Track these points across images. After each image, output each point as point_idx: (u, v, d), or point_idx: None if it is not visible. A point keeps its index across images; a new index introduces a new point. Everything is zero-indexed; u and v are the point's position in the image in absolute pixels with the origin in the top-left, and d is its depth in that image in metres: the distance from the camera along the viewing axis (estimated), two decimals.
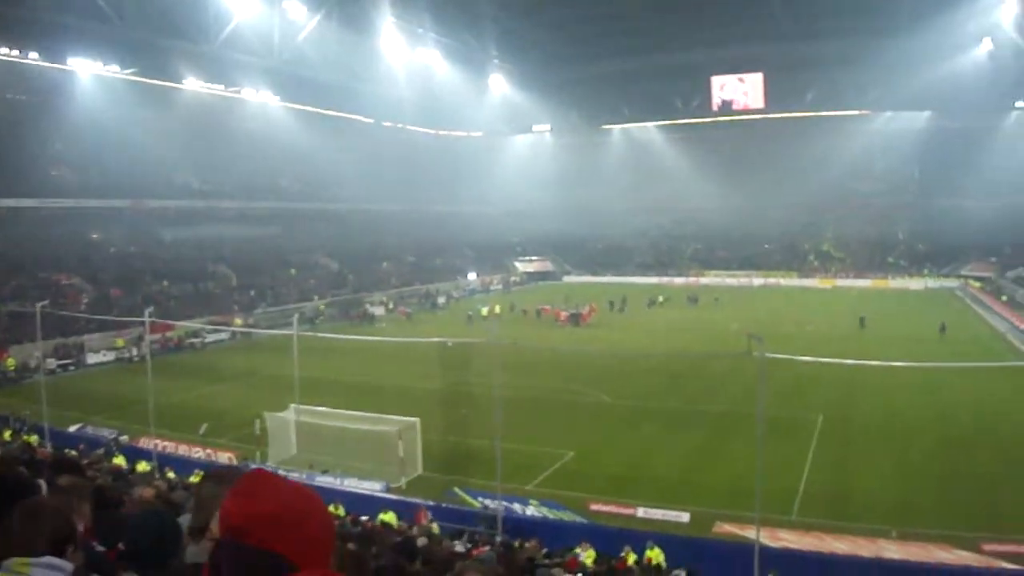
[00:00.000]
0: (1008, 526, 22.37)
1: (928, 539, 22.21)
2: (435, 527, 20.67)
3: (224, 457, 29.05)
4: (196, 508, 3.13)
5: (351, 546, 8.25)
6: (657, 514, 24.17)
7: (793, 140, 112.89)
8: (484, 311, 68.04)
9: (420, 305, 78.11)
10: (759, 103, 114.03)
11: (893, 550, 21.69)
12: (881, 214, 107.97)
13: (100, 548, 3.98)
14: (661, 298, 79.70)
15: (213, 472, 3.31)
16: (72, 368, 49.27)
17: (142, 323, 34.84)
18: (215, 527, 2.11)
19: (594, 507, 24.81)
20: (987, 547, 21.56)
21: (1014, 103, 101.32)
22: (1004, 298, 72.33)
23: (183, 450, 30.53)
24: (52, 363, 46.93)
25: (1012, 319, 61.21)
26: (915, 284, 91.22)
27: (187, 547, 3.16)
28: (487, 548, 17.54)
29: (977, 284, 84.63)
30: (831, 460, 28.86)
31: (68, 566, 2.91)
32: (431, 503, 23.86)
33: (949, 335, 52.67)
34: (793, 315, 64.14)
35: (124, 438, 31.54)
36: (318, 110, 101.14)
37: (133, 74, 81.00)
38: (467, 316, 65.44)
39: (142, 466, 24.81)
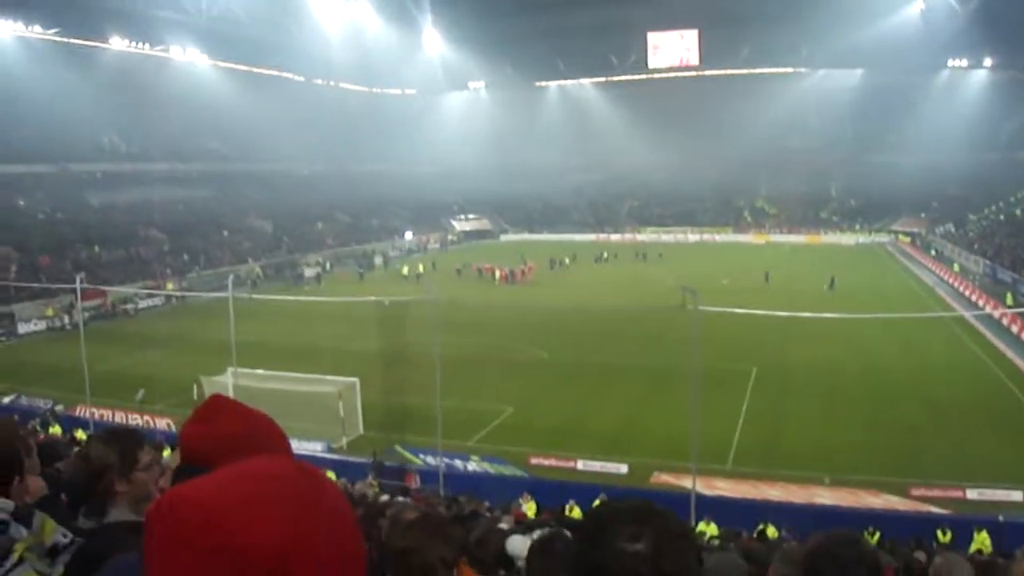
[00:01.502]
0: (934, 471, 23.22)
1: (859, 485, 22.98)
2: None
3: (163, 423, 28.71)
4: (85, 468, 3.09)
5: None
6: (596, 466, 24.64)
7: (728, 97, 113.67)
8: (405, 270, 69.10)
9: (357, 265, 77.54)
10: (694, 60, 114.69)
11: (825, 496, 22.40)
12: (814, 170, 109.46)
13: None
14: (605, 254, 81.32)
15: (101, 432, 3.29)
16: (3, 339, 48.03)
17: (73, 290, 34.12)
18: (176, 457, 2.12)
19: (534, 461, 25.18)
20: (915, 492, 22.38)
21: (946, 61, 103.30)
22: (933, 252, 74.30)
23: (120, 417, 30.10)
24: None
25: (940, 273, 62.93)
26: (847, 239, 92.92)
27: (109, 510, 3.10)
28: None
29: (906, 239, 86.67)
30: (765, 411, 29.55)
31: (8, 505, 2.74)
32: (479, 471, 24.13)
33: (839, 289, 54.05)
34: (729, 270, 64.88)
35: (59, 408, 30.97)
36: (248, 68, 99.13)
37: (56, 34, 78.57)
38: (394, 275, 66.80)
39: (79, 435, 24.42)
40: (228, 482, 1.19)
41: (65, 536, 2.54)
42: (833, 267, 61.71)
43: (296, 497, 1.19)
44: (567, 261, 75.75)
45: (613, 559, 1.44)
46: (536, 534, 4.54)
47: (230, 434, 1.93)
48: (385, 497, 17.75)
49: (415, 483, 21.66)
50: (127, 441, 3.10)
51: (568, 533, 4.07)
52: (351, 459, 24.95)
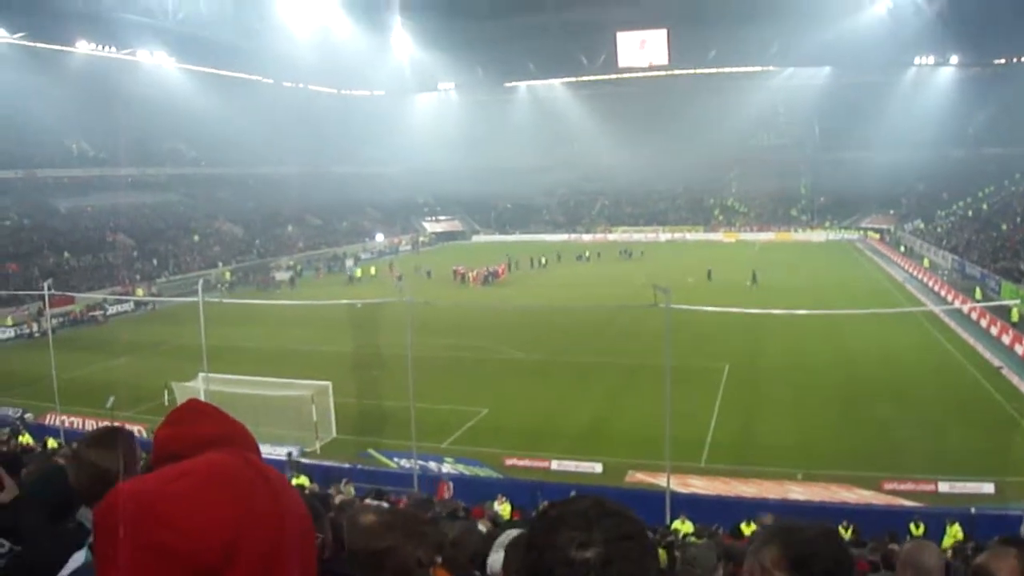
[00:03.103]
0: (906, 465, 23.40)
1: (832, 480, 23.11)
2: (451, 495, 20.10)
3: (134, 430, 28.33)
4: (79, 470, 3.06)
5: None
6: (571, 466, 24.63)
7: (697, 96, 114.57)
8: (358, 272, 70.10)
9: (329, 268, 77.19)
10: (664, 60, 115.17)
11: (798, 491, 22.52)
12: (783, 168, 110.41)
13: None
14: (587, 253, 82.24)
15: (98, 435, 3.25)
16: None
17: (41, 297, 33.68)
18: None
19: (509, 462, 25.13)
20: (887, 485, 22.54)
21: (913, 58, 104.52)
22: (902, 248, 75.02)
23: (91, 425, 29.73)
24: None
25: (909, 268, 63.54)
26: (817, 236, 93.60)
27: (81, 510, 3.08)
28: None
29: (876, 235, 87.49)
30: (738, 408, 29.66)
31: None
32: (453, 473, 23.81)
33: (763, 284, 54.85)
34: (703, 268, 65.12)
35: (29, 416, 30.60)
36: (216, 71, 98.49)
37: (21, 38, 77.65)
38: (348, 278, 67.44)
39: (50, 443, 24.12)
40: (171, 476, 1.18)
41: (1, 546, 2.50)
42: (756, 263, 62.85)
43: (240, 489, 1.17)
44: (544, 261, 75.96)
45: (562, 567, 1.40)
46: (512, 533, 4.53)
47: (203, 437, 1.89)
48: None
49: (448, 492, 21.19)
50: (126, 442, 3.08)
51: None
52: (324, 463, 24.80)
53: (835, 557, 2.22)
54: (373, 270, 70.62)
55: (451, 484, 21.91)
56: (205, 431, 1.92)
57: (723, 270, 61.01)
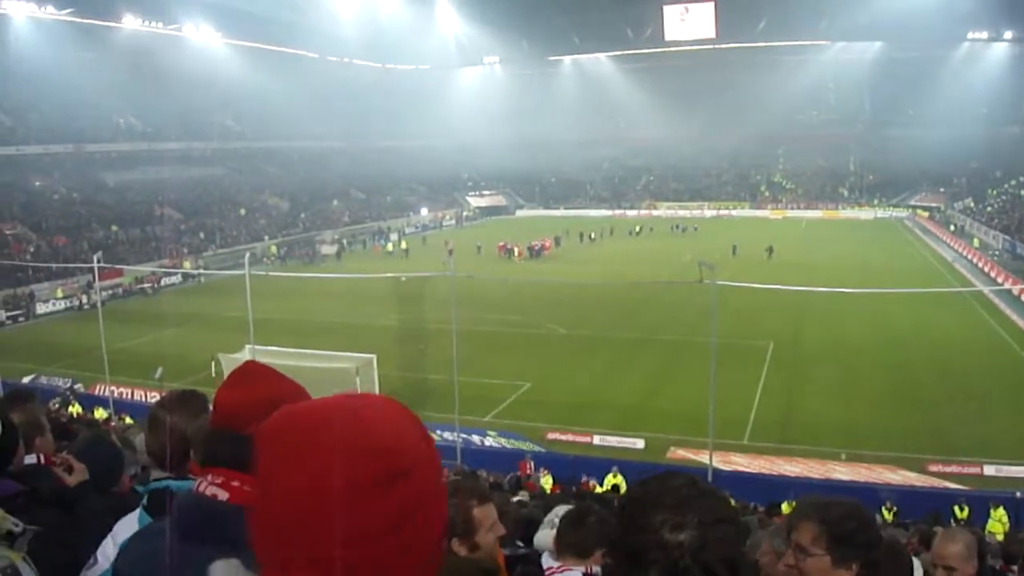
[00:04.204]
0: (952, 447, 23.13)
1: (876, 461, 22.93)
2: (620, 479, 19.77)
3: None
4: (154, 432, 3.09)
5: None
6: (613, 441, 24.66)
7: (745, 70, 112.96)
8: (389, 246, 71.11)
9: (376, 241, 77.60)
10: (711, 33, 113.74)
11: (842, 471, 22.36)
12: (832, 145, 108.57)
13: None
14: (639, 228, 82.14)
15: (175, 397, 3.27)
16: (22, 319, 48.30)
17: (91, 270, 34.20)
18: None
19: (551, 436, 25.23)
20: (932, 467, 22.31)
21: (965, 34, 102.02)
22: (952, 228, 73.64)
23: (139, 395, 30.29)
24: (1, 315, 46.22)
25: (959, 248, 62.43)
26: (865, 214, 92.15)
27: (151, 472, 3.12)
28: None
29: (925, 214, 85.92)
30: (782, 386, 29.45)
31: None
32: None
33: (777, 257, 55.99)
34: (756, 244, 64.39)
35: (79, 386, 31.18)
36: (262, 46, 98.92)
37: (70, 15, 78.51)
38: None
39: (99, 413, 24.62)
40: (338, 397, 1.22)
41: (16, 526, 2.54)
42: (771, 237, 63.30)
43: (403, 412, 1.24)
44: (593, 236, 75.85)
45: (656, 549, 1.39)
46: (561, 509, 4.56)
47: (262, 399, 1.92)
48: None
49: (530, 470, 21.20)
50: (205, 404, 3.09)
51: (598, 507, 4.08)
52: None
53: (872, 531, 2.20)
54: (404, 244, 71.11)
55: (531, 461, 21.88)
56: (263, 394, 1.95)
57: (757, 246, 60.12)
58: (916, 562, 4.65)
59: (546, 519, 4.84)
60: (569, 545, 3.64)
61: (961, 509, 17.84)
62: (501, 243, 66.46)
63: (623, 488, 18.83)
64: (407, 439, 1.17)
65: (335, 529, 1.08)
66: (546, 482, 19.05)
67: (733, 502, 17.63)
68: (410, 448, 1.16)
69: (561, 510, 4.31)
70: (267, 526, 1.14)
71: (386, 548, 1.11)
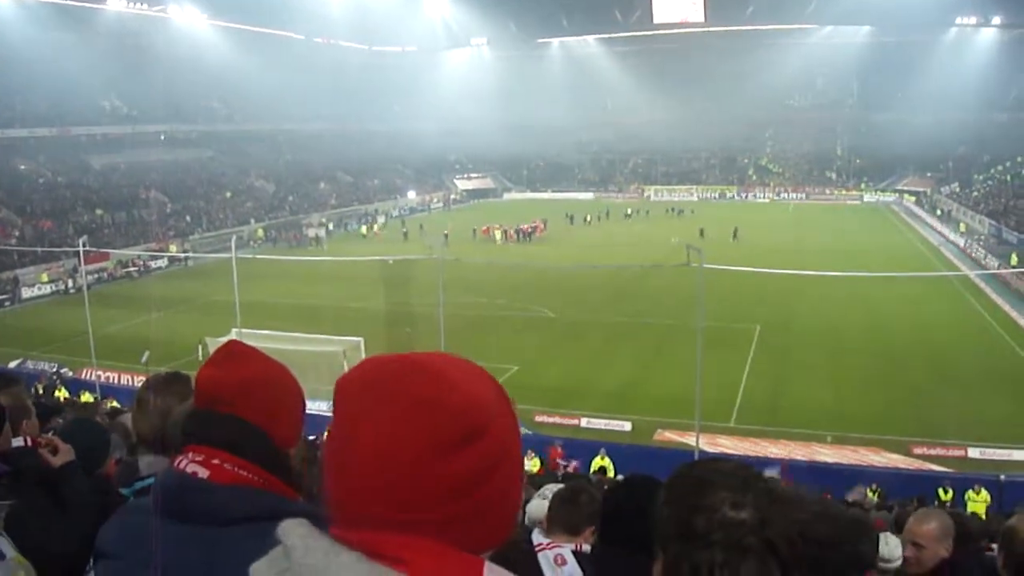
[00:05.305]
0: (937, 430, 23.33)
1: (861, 443, 23.10)
2: (607, 461, 19.76)
3: None
4: (141, 414, 3.08)
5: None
6: (600, 423, 24.78)
7: (733, 54, 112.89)
8: (363, 230, 72.33)
9: (360, 224, 77.40)
10: (699, 16, 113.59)
11: (827, 454, 22.53)
12: (820, 129, 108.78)
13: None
14: (629, 210, 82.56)
15: (156, 380, 3.26)
16: (7, 304, 47.91)
17: (76, 254, 34.03)
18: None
19: (539, 419, 25.28)
20: (917, 450, 22.50)
21: (954, 19, 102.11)
22: (938, 212, 73.93)
23: (126, 380, 30.21)
24: None
25: (945, 233, 62.68)
26: (852, 198, 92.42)
27: (140, 457, 3.11)
28: None
29: (912, 199, 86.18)
30: (768, 369, 29.62)
31: None
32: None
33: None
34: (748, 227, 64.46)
35: (66, 371, 31.05)
36: (247, 27, 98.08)
37: None
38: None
39: (86, 397, 24.52)
40: (417, 355, 1.21)
41: None
42: (757, 221, 64.96)
43: (478, 370, 1.23)
44: (588, 218, 76.31)
45: (716, 527, 1.37)
46: (549, 489, 4.60)
47: (245, 378, 1.91)
48: None
49: (561, 456, 21.06)
50: (186, 386, 3.06)
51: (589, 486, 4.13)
52: None
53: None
54: (376, 228, 73.57)
55: (561, 445, 21.73)
56: (245, 373, 1.94)
57: (755, 230, 60.36)
58: (894, 539, 4.72)
59: (537, 492, 4.85)
60: (560, 522, 3.69)
61: (945, 491, 17.99)
62: (485, 227, 66.28)
63: (610, 471, 18.92)
64: (484, 397, 1.16)
65: (413, 489, 1.09)
66: (533, 465, 19.11)
67: None
68: (488, 405, 1.15)
69: (552, 487, 4.34)
70: (343, 482, 1.14)
71: (465, 506, 1.11)
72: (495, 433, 1.14)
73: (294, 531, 1.15)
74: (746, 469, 1.48)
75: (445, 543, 1.10)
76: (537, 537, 3.61)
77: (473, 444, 1.11)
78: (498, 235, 63.66)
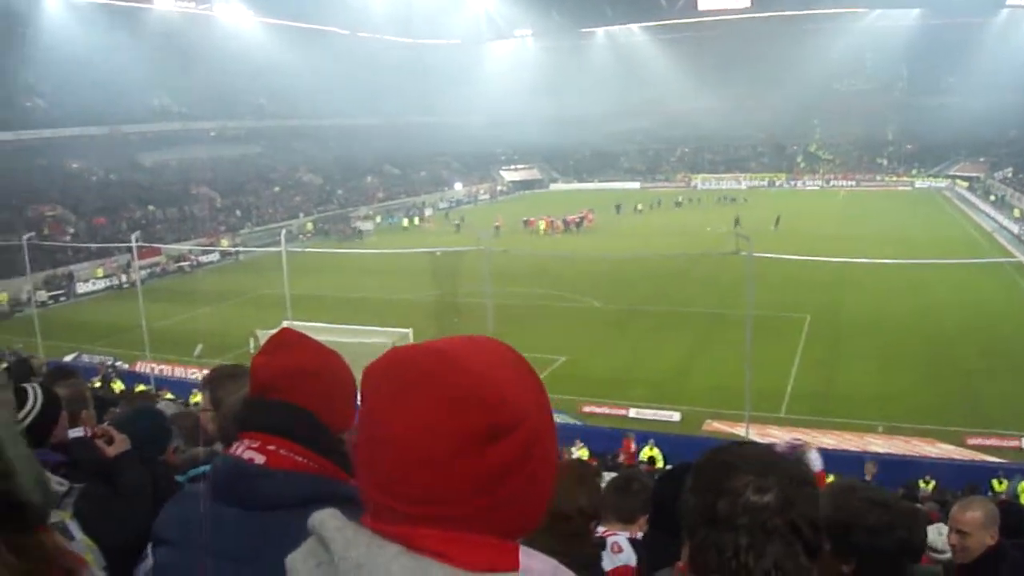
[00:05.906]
0: (991, 420, 22.90)
1: (913, 434, 22.73)
2: (656, 452, 19.69)
3: None
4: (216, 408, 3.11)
5: None
6: (648, 414, 24.67)
7: (780, 39, 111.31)
8: (405, 222, 73.00)
9: (404, 217, 77.75)
10: (745, 2, 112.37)
11: (879, 444, 22.20)
12: (869, 114, 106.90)
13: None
14: (680, 199, 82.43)
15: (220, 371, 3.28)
16: (63, 299, 48.96)
17: (129, 249, 34.60)
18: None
19: (587, 409, 25.28)
20: (971, 440, 22.10)
21: (1004, 1, 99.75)
22: (992, 198, 72.32)
23: (180, 372, 30.75)
24: (43, 295, 46.66)
25: (1000, 219, 61.32)
26: (903, 184, 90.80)
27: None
28: None
29: (965, 184, 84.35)
30: (819, 358, 29.23)
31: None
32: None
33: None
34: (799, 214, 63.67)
35: (120, 364, 31.63)
36: (292, 23, 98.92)
37: None
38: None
39: (140, 388, 24.96)
40: (452, 341, 1.21)
41: (61, 484, 2.62)
42: (808, 209, 64.12)
43: (523, 364, 1.23)
44: (639, 207, 76.37)
45: (742, 511, 1.41)
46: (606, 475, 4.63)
47: (299, 366, 1.94)
48: None
49: (633, 447, 21.08)
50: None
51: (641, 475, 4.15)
52: None
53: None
54: (424, 220, 74.52)
55: (635, 437, 21.66)
56: (300, 361, 1.96)
57: (804, 218, 59.57)
58: (946, 530, 4.69)
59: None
60: (615, 511, 3.73)
61: (1000, 482, 17.66)
62: (531, 218, 65.89)
63: (659, 461, 18.86)
64: (515, 388, 1.15)
65: (446, 484, 1.09)
66: (582, 454, 19.10)
67: None
68: (519, 398, 1.14)
69: (606, 476, 4.36)
70: (374, 476, 1.14)
71: (499, 497, 1.11)
72: (528, 425, 1.13)
73: (329, 523, 1.16)
74: (772, 453, 1.51)
75: (480, 532, 1.11)
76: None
77: (506, 438, 1.10)
78: (542, 226, 63.45)
